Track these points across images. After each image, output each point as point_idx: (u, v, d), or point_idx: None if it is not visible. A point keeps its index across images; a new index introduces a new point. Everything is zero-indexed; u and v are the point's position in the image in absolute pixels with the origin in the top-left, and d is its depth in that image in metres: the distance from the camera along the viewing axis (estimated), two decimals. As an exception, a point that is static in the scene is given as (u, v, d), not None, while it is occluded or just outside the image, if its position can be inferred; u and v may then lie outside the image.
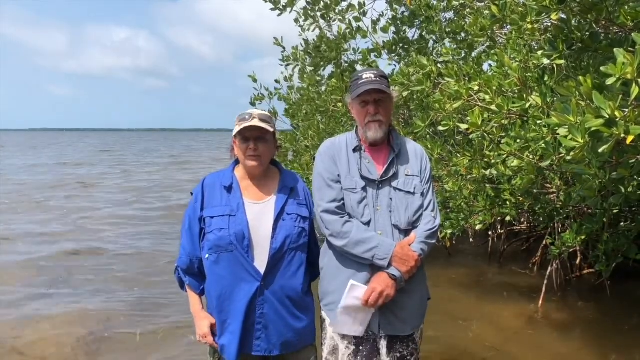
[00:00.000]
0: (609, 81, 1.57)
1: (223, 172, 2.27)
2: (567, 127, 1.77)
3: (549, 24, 3.08)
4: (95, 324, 4.76)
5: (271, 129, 2.16)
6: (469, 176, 3.97)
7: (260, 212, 2.14)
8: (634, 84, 1.54)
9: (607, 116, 1.59)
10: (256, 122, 2.10)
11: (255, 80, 7.14)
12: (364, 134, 2.20)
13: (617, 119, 1.59)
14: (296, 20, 6.11)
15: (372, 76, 2.16)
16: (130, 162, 29.33)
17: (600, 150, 1.67)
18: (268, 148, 2.17)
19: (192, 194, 2.26)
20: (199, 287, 2.25)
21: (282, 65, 6.81)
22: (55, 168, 23.91)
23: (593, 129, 1.63)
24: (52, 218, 10.53)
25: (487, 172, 3.77)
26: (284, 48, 6.65)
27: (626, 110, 1.62)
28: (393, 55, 5.76)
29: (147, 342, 4.43)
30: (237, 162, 2.27)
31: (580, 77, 1.76)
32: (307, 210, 2.22)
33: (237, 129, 2.12)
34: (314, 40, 6.23)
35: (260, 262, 2.08)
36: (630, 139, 1.60)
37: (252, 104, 7.18)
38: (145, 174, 21.88)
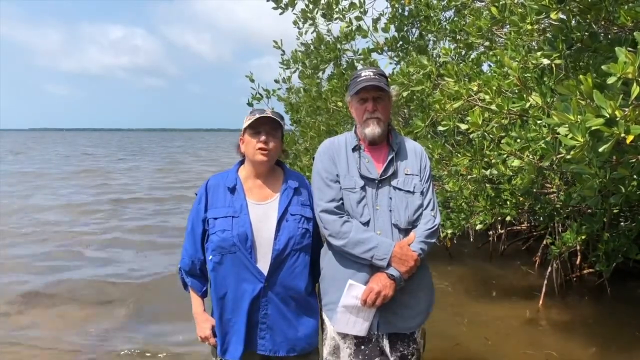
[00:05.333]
0: (610, 80, 1.56)
1: (227, 173, 2.28)
2: (567, 126, 1.77)
3: (548, 24, 3.08)
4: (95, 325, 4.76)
5: (282, 125, 2.20)
6: (469, 176, 3.97)
7: (263, 213, 2.15)
8: (634, 83, 1.54)
9: (608, 115, 1.59)
10: (270, 114, 2.13)
11: (252, 80, 7.11)
12: (362, 132, 2.20)
13: (618, 119, 1.58)
14: (295, 22, 6.11)
15: (371, 74, 2.17)
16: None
17: (600, 150, 1.67)
18: (277, 145, 2.19)
19: (196, 194, 2.27)
20: (201, 289, 2.27)
21: (282, 67, 6.82)
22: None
23: (593, 128, 1.63)
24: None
25: (487, 172, 3.77)
26: (283, 51, 6.65)
27: (626, 109, 1.62)
28: (393, 53, 5.76)
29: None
30: (241, 162, 2.29)
31: (581, 76, 1.76)
32: (310, 211, 2.22)
33: (248, 121, 2.13)
34: (312, 40, 6.24)
35: (264, 263, 2.08)
36: (630, 138, 1.60)
37: (250, 104, 7.15)
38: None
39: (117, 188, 16.08)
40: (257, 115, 2.12)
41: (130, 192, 15.18)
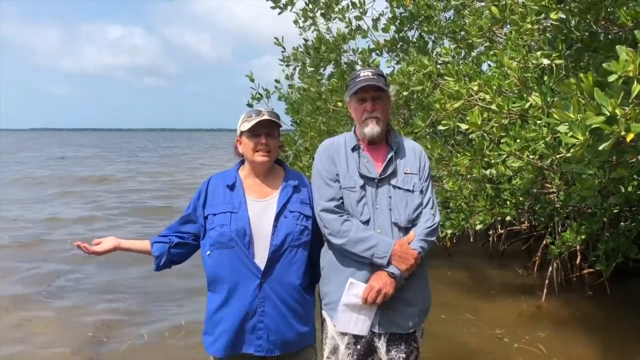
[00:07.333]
0: (611, 78, 1.57)
1: (227, 172, 2.30)
2: (567, 124, 1.77)
3: (549, 24, 3.09)
4: (96, 327, 4.75)
5: (280, 125, 2.22)
6: (469, 176, 3.97)
7: (262, 210, 2.16)
8: (635, 82, 1.54)
9: (608, 113, 1.59)
10: (268, 117, 2.15)
11: (252, 80, 7.10)
12: (361, 131, 2.21)
13: (618, 117, 1.59)
14: (295, 22, 6.12)
15: (370, 74, 2.19)
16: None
17: (600, 148, 1.68)
18: (276, 144, 2.21)
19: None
20: (154, 246, 2.28)
21: (282, 65, 6.82)
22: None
23: (594, 126, 1.63)
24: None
25: (487, 172, 3.77)
26: (284, 48, 6.65)
27: (627, 108, 1.62)
28: (393, 54, 5.76)
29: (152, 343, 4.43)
30: (241, 162, 2.30)
31: (581, 75, 1.76)
32: (310, 210, 2.23)
33: (247, 125, 2.14)
34: (312, 40, 6.24)
35: (261, 259, 2.09)
36: (630, 136, 1.60)
37: (250, 105, 7.12)
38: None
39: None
40: (256, 120, 2.13)
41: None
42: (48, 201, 12.94)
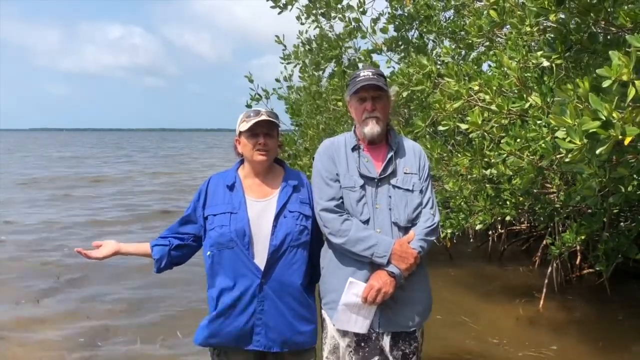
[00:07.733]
0: (605, 83, 1.57)
1: (227, 172, 2.31)
2: (564, 129, 1.78)
3: (548, 25, 3.09)
4: (91, 332, 4.75)
5: (278, 124, 2.23)
6: (469, 176, 3.98)
7: (262, 210, 2.17)
8: (631, 86, 1.55)
9: (604, 118, 1.60)
10: (266, 117, 2.15)
11: (251, 81, 7.10)
12: (361, 131, 2.22)
13: (614, 121, 1.59)
14: (298, 18, 6.12)
15: (370, 74, 2.20)
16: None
17: (597, 152, 1.68)
18: (274, 143, 2.22)
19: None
20: (154, 249, 2.28)
21: (282, 63, 6.81)
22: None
23: (590, 130, 1.64)
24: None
25: (487, 172, 3.78)
26: (285, 46, 6.65)
27: (623, 111, 1.62)
28: (393, 53, 5.77)
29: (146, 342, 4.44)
30: (240, 162, 2.31)
31: (578, 80, 1.77)
32: (310, 209, 2.23)
33: (246, 125, 2.15)
34: (314, 37, 6.25)
35: (261, 259, 2.10)
36: (627, 140, 1.61)
37: (249, 106, 7.11)
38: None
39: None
40: (254, 120, 2.14)
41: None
42: (47, 203, 12.95)
